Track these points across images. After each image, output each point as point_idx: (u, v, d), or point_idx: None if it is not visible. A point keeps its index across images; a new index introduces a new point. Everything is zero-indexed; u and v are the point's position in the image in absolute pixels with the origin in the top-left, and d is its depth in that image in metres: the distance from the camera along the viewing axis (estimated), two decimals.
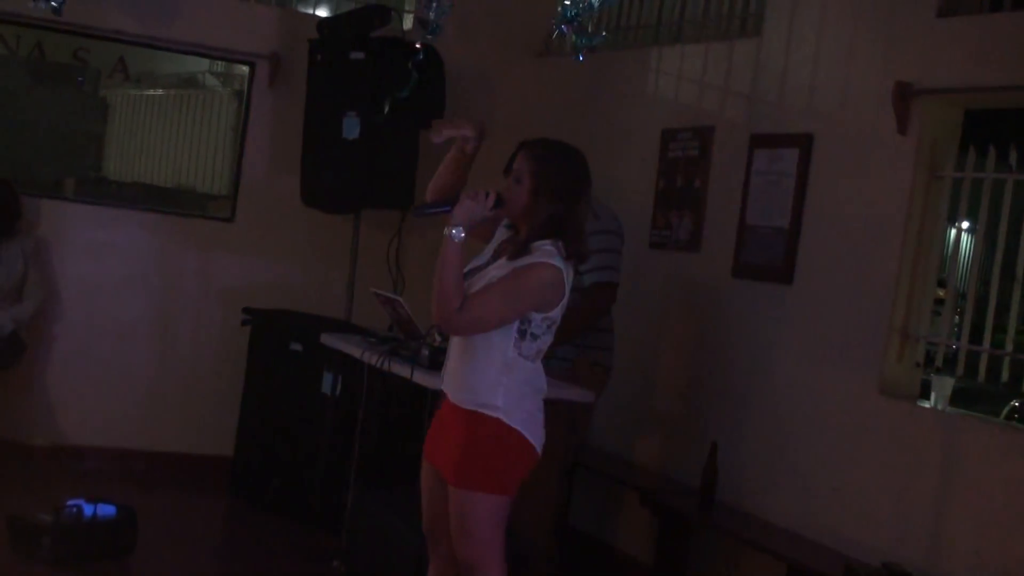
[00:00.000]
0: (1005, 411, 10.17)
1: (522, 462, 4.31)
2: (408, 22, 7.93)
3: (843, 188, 5.77)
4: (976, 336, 5.52)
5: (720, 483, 6.08)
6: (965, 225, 7.79)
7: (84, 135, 8.47)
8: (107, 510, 6.08)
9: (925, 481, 5.17)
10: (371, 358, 5.68)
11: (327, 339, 6.40)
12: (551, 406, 5.19)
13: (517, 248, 4.28)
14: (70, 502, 6.03)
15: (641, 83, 7.29)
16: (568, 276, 4.26)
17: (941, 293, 6.05)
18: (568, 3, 5.37)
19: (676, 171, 6.86)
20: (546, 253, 4.20)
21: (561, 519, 6.24)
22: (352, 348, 5.99)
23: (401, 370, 5.39)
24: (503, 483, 4.27)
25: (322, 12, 8.64)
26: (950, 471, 5.09)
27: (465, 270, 4.30)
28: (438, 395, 4.77)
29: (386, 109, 7.16)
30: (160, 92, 9.07)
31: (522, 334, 4.26)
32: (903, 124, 5.44)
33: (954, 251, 6.47)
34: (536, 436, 4.30)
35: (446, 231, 4.16)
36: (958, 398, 5.52)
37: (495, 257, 4.36)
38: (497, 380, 4.24)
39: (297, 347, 7.18)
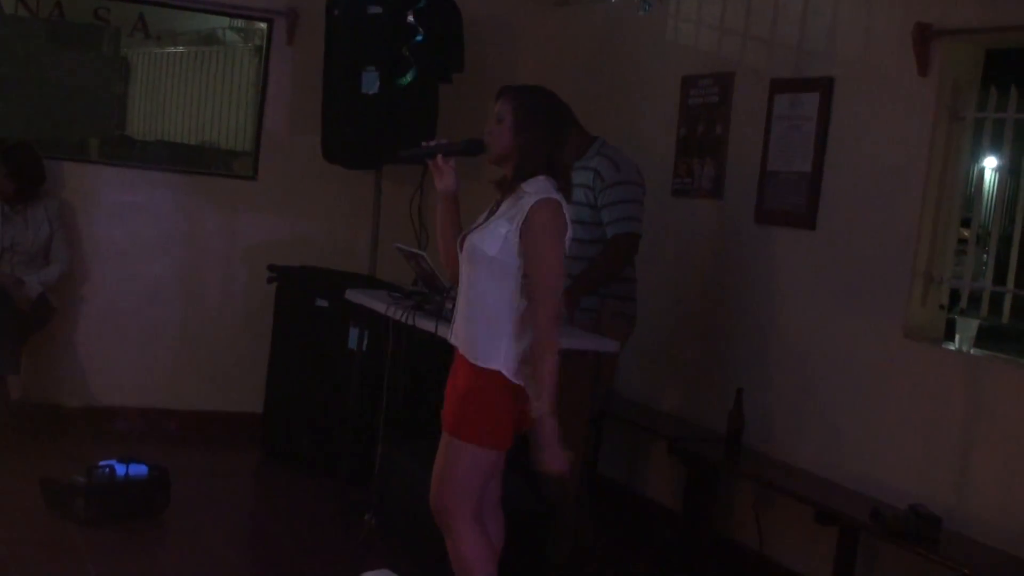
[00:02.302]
0: None
1: (519, 419, 4.33)
2: None
3: (864, 132, 5.76)
4: (1000, 275, 5.51)
5: (746, 429, 6.10)
6: (992, 163, 7.75)
7: (106, 95, 8.46)
8: (139, 470, 6.15)
9: (951, 423, 5.18)
10: (396, 313, 5.71)
11: (352, 295, 6.43)
12: (576, 356, 5.25)
13: (508, 187, 4.34)
14: (103, 463, 6.10)
15: (660, 30, 7.26)
16: (567, 209, 4.32)
17: (965, 233, 6.03)
18: None
19: (697, 118, 6.85)
20: (543, 188, 4.28)
21: (589, 468, 6.27)
22: (377, 303, 6.02)
23: (426, 324, 5.41)
24: (494, 437, 4.31)
25: None
26: (976, 412, 5.10)
27: (466, 232, 4.40)
28: None
29: (411, 62, 7.13)
30: (181, 50, 9.07)
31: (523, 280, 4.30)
32: (923, 66, 5.41)
33: (977, 190, 6.43)
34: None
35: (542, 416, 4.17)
36: (983, 338, 5.51)
37: (491, 215, 4.40)
38: (502, 329, 4.27)
39: (323, 303, 7.22)
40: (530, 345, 4.21)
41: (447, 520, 4.37)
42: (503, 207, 4.32)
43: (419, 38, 7.04)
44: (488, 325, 4.29)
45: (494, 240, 4.26)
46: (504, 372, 4.26)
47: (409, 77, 7.21)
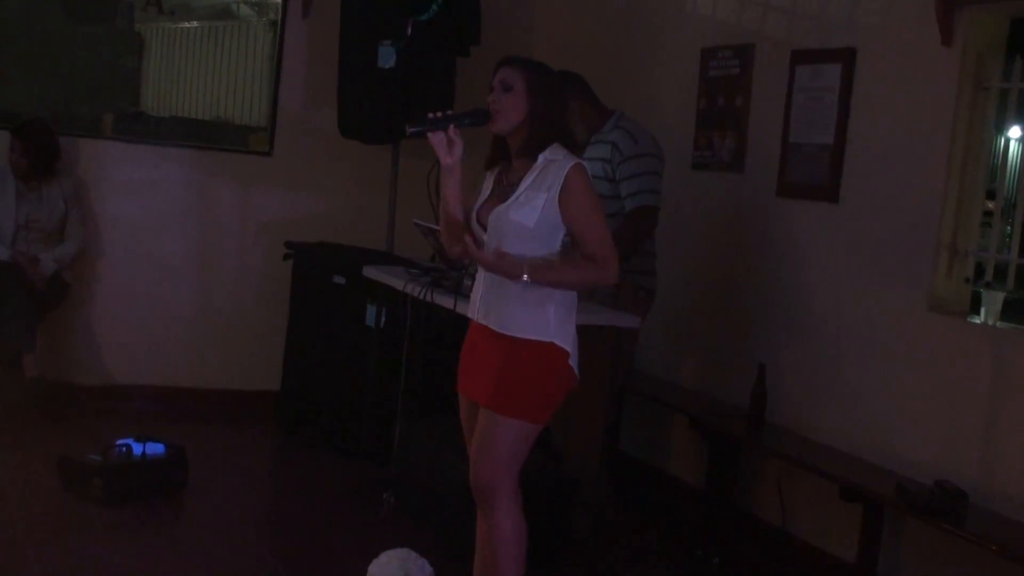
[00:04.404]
0: None
1: (562, 389, 4.32)
2: None
3: (887, 103, 5.72)
4: None
5: (769, 404, 6.09)
6: (1017, 133, 7.72)
7: (120, 71, 8.46)
8: (157, 448, 6.18)
9: (977, 397, 5.16)
10: (414, 289, 5.70)
11: (369, 271, 6.43)
12: (596, 332, 5.24)
13: (524, 154, 4.32)
14: (120, 442, 6.12)
15: (679, 2, 7.22)
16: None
17: (990, 204, 6.00)
18: None
19: (717, 90, 6.82)
20: (568, 155, 4.28)
21: (610, 444, 6.27)
22: (394, 280, 6.02)
23: (444, 300, 5.41)
24: (538, 410, 4.29)
25: None
26: (1002, 386, 5.07)
27: (475, 207, 4.40)
28: None
29: (408, 32, 7.12)
30: (195, 24, 9.06)
31: (564, 245, 4.28)
32: (947, 35, 5.37)
33: (1002, 161, 6.38)
34: (576, 360, 4.32)
35: (522, 274, 4.19)
36: (1009, 311, 5.49)
37: (499, 186, 4.39)
38: (547, 300, 4.26)
39: (340, 280, 7.21)
40: (571, 262, 4.26)
41: (490, 497, 4.34)
42: (528, 177, 4.28)
43: (433, 11, 7.00)
44: (530, 297, 4.26)
45: (531, 211, 4.23)
46: (556, 342, 4.25)
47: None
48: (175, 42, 8.94)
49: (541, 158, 4.27)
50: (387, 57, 7.28)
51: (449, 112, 4.40)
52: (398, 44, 7.16)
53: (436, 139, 4.33)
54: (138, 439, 6.15)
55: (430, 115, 4.35)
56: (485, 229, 4.34)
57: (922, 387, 5.42)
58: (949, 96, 5.39)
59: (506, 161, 4.41)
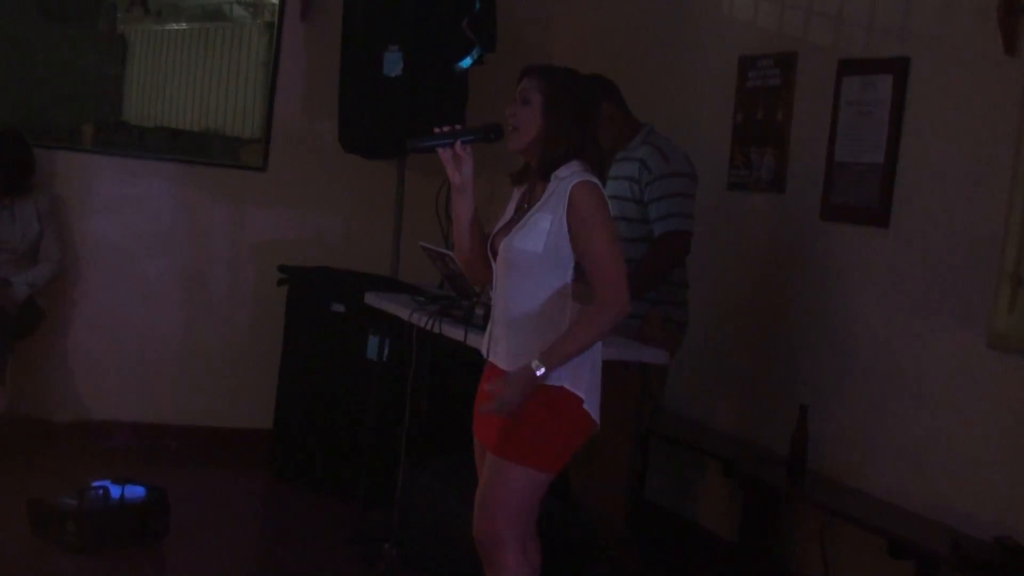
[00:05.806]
0: None
1: (576, 436, 4.31)
2: None
3: (944, 117, 5.69)
4: None
5: (811, 450, 6.04)
6: None
7: (101, 77, 8.49)
8: (136, 492, 6.18)
9: None
10: (420, 319, 5.69)
11: (372, 299, 6.43)
12: (622, 368, 5.21)
13: (537, 176, 4.30)
14: (96, 484, 6.12)
15: (715, 5, 7.22)
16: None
17: None
18: None
19: (756, 103, 6.80)
20: (577, 172, 4.25)
21: (635, 492, 6.23)
22: (399, 308, 6.01)
23: (453, 332, 5.39)
24: (549, 458, 4.28)
25: None
26: None
27: (493, 232, 4.39)
28: None
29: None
30: (183, 26, 9.09)
31: (577, 275, 4.25)
32: (1011, 43, 5.33)
33: None
34: (595, 404, 4.29)
35: (536, 373, 4.16)
36: None
37: (519, 211, 4.37)
38: (557, 337, 4.22)
39: (339, 308, 7.21)
40: (572, 322, 4.21)
41: (493, 551, 4.31)
42: (540, 200, 4.26)
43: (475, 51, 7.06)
44: (540, 334, 4.23)
45: (537, 236, 4.21)
46: (567, 386, 4.22)
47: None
48: (161, 45, 8.95)
49: (554, 178, 4.25)
50: (393, 64, 7.27)
51: (458, 127, 4.39)
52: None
53: (445, 155, 4.32)
54: (116, 481, 6.15)
55: (436, 130, 4.35)
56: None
57: (980, 432, 5.37)
58: (1012, 110, 5.35)
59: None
